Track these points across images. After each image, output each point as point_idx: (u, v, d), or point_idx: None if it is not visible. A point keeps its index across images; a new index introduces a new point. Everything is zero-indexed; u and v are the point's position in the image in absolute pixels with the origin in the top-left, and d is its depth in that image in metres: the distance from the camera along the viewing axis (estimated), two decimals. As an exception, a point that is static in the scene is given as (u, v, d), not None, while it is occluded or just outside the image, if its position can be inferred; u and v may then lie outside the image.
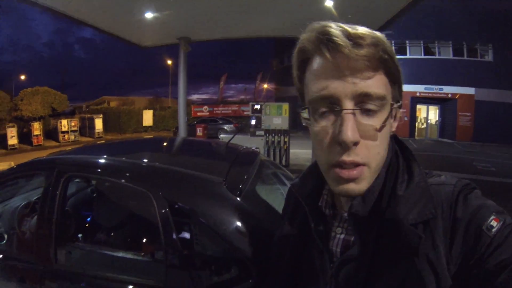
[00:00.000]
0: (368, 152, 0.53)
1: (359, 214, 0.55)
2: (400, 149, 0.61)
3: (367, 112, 0.52)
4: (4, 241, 1.89)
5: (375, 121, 0.52)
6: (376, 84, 0.52)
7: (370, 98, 0.51)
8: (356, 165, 0.52)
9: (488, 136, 16.20)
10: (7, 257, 1.76)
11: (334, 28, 0.51)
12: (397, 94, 0.56)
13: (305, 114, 0.58)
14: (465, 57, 18.06)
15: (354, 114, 0.51)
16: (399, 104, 0.56)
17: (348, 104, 0.51)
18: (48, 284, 1.58)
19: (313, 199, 0.65)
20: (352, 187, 0.53)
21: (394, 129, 0.58)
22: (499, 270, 0.45)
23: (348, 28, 0.51)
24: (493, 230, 0.47)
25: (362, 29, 0.51)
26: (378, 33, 0.52)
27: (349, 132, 0.50)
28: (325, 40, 0.50)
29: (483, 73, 17.33)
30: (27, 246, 1.74)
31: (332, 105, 0.52)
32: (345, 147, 0.51)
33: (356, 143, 0.51)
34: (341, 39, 0.49)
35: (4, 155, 13.58)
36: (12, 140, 14.55)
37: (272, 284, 0.72)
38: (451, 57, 18.29)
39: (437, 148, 13.50)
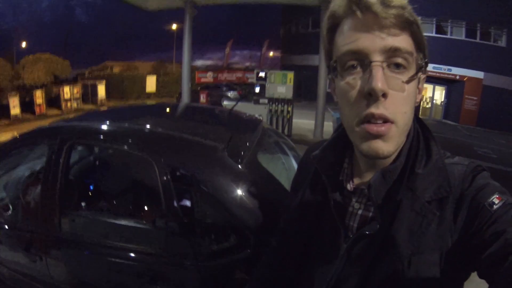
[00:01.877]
0: (395, 108, 0.53)
1: (378, 189, 0.56)
2: (421, 129, 0.62)
3: (396, 66, 0.53)
4: (10, 211, 1.91)
5: (403, 76, 0.54)
6: (404, 41, 0.53)
7: (399, 53, 0.53)
8: (385, 121, 0.53)
9: (492, 123, 15.85)
10: (13, 227, 1.78)
11: None
12: (423, 63, 0.57)
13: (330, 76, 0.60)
14: (478, 40, 17.42)
15: (382, 67, 0.52)
16: (426, 66, 0.57)
17: (377, 57, 0.52)
18: (53, 252, 1.61)
19: (334, 172, 0.66)
20: (380, 145, 0.54)
21: (418, 100, 0.58)
22: (493, 240, 0.48)
23: None
24: (494, 206, 0.50)
25: None
26: None
27: (379, 82, 0.51)
28: (357, 0, 0.52)
29: (494, 58, 16.70)
30: (32, 215, 1.76)
31: (361, 59, 0.53)
32: (375, 96, 0.51)
33: (384, 95, 0.52)
34: None
35: (7, 125, 13.56)
36: (15, 110, 14.35)
37: (286, 250, 0.72)
38: (463, 38, 17.65)
39: (439, 129, 13.28)
